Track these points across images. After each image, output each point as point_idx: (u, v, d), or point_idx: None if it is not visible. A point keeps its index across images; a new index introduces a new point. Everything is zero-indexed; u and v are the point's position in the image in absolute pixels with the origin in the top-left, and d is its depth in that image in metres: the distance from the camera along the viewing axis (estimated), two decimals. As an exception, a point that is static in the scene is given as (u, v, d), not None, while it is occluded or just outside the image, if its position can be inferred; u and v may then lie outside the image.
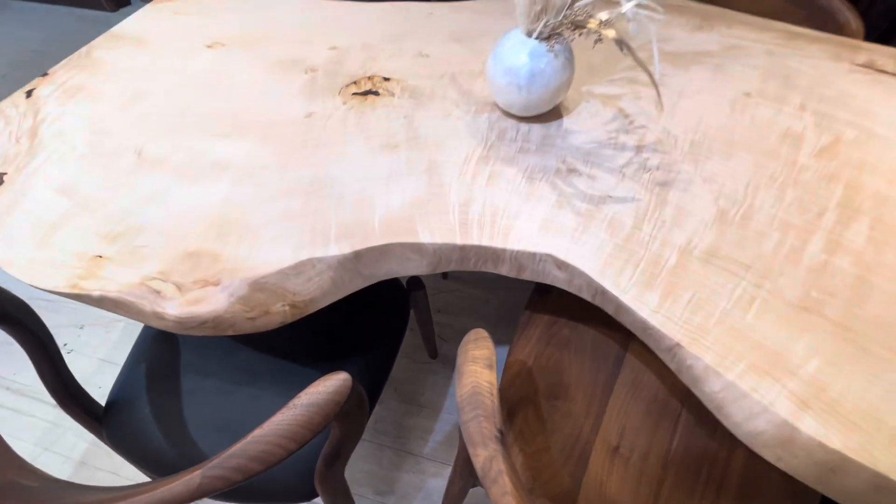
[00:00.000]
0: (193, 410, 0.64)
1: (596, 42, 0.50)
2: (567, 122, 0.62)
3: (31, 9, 2.30)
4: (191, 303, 0.46)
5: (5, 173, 0.58)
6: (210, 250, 0.49)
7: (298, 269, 0.48)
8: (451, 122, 0.63)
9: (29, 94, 0.69)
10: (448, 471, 0.97)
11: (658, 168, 0.56)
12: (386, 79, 0.70)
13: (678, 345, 0.42)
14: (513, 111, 0.61)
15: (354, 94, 0.67)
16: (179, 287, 0.46)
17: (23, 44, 2.10)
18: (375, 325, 0.72)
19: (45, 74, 0.72)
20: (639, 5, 0.47)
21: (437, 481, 0.95)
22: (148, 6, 0.85)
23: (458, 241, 0.49)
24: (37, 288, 0.47)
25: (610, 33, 0.48)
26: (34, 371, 0.58)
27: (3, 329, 0.52)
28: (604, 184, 0.55)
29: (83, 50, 0.76)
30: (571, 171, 0.56)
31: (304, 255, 0.48)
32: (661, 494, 0.59)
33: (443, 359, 1.12)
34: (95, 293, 0.46)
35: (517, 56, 0.55)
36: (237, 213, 0.53)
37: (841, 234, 0.49)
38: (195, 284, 0.47)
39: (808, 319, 0.43)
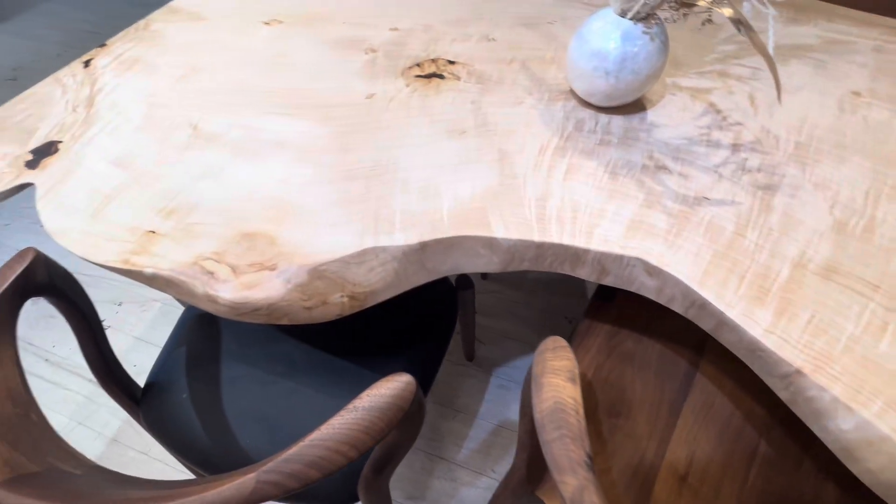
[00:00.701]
0: (232, 399, 0.61)
1: (704, 23, 0.44)
2: (651, 114, 0.57)
3: (84, -9, 2.36)
4: (245, 287, 0.42)
5: (60, 141, 0.56)
6: (266, 232, 0.46)
7: (361, 257, 0.44)
8: (522, 109, 0.58)
9: (87, 63, 0.67)
10: (482, 480, 0.92)
11: (759, 170, 0.50)
12: (451, 62, 0.65)
13: (798, 372, 0.36)
14: (593, 100, 0.56)
15: (417, 76, 0.63)
16: (234, 269, 0.43)
17: (76, 24, 2.15)
18: (422, 322, 0.68)
19: (103, 45, 0.70)
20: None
21: (470, 491, 0.91)
22: (206, -18, 0.84)
23: (536, 237, 0.45)
24: (87, 261, 0.45)
25: (727, 12, 0.42)
26: (72, 344, 0.56)
27: (50, 300, 0.50)
28: (698, 184, 0.49)
29: (141, 23, 0.75)
30: (660, 167, 0.51)
31: (367, 243, 0.44)
32: (736, 532, 0.52)
33: (479, 362, 1.08)
34: (148, 270, 0.43)
35: (607, 38, 0.50)
36: (295, 194, 0.49)
37: None
38: (250, 267, 0.43)
39: (956, 353, 0.36)
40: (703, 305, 0.41)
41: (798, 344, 0.37)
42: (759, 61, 0.63)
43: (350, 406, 0.36)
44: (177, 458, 0.61)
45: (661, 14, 0.47)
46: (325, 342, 0.66)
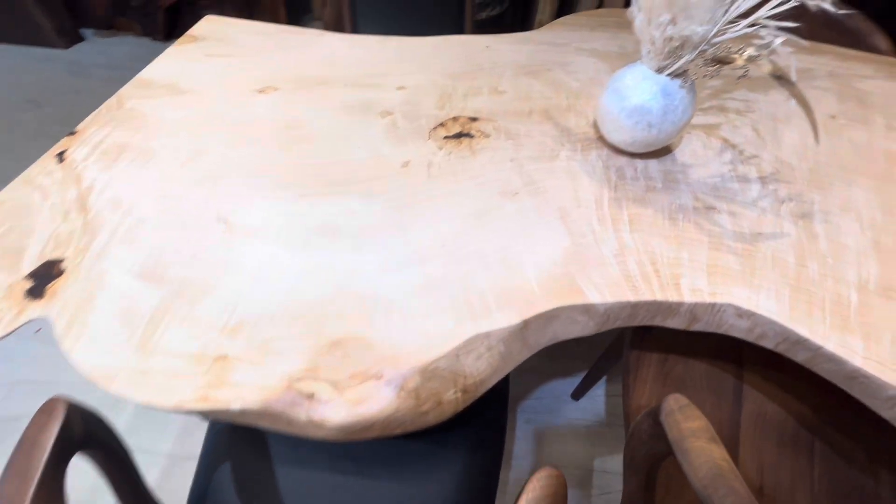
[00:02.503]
0: (297, 513, 0.55)
1: (740, 78, 0.48)
2: (679, 155, 0.60)
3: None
4: (354, 403, 0.38)
5: (61, 260, 0.47)
6: (356, 335, 0.42)
7: (469, 346, 0.42)
8: (562, 163, 0.59)
9: (61, 157, 0.58)
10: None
11: (791, 199, 0.55)
12: (473, 119, 0.65)
13: (905, 394, 0.39)
14: (631, 149, 0.58)
15: (446, 137, 0.62)
16: (335, 385, 0.39)
17: (8, 94, 1.82)
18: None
19: (73, 133, 0.61)
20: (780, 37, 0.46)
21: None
22: (172, 48, 0.76)
23: (631, 297, 0.45)
24: (156, 408, 0.38)
25: (765, 68, 0.46)
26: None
27: (86, 454, 0.42)
28: (747, 220, 0.53)
29: (112, 101, 0.66)
30: (709, 208, 0.54)
31: (468, 331, 0.42)
32: (819, 534, 0.56)
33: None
34: (235, 406, 0.38)
35: (647, 94, 0.52)
36: (370, 286, 0.46)
37: None
38: (353, 380, 0.39)
39: None
40: (799, 341, 0.44)
41: (893, 364, 0.41)
42: (746, 94, 0.70)
43: (515, 519, 0.34)
44: None
45: (697, 70, 0.51)
46: (384, 425, 0.61)
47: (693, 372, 0.68)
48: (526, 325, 0.44)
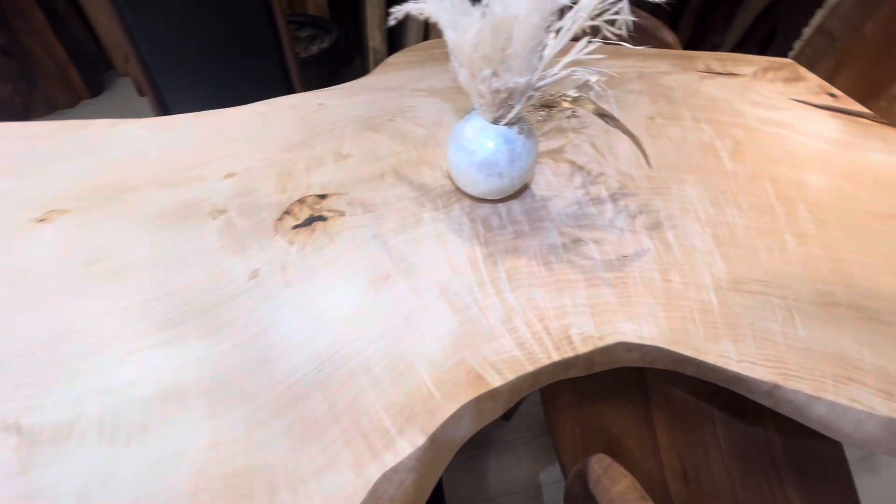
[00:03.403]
0: None
1: (569, 117, 0.49)
2: (536, 190, 0.61)
3: None
4: None
5: None
6: (236, 534, 0.34)
7: (377, 494, 0.36)
8: (427, 227, 0.55)
9: None
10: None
11: (640, 212, 0.58)
12: (321, 196, 0.59)
13: (777, 386, 0.43)
14: (489, 197, 0.57)
15: (295, 227, 0.55)
16: None
17: None
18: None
19: None
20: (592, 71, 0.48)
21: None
22: None
23: (530, 367, 0.43)
24: None
25: (589, 108, 0.47)
26: None
27: None
28: (610, 244, 0.54)
29: None
30: (576, 241, 0.55)
31: (373, 474, 0.36)
32: (738, 494, 0.61)
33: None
34: None
35: (490, 147, 0.51)
36: (244, 457, 0.37)
37: (797, 225, 0.57)
38: None
39: (834, 313, 0.48)
40: (682, 361, 0.46)
41: (759, 360, 0.44)
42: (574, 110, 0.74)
43: None
44: None
45: (530, 116, 0.51)
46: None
47: (600, 379, 0.71)
48: (433, 439, 0.39)
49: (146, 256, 0.51)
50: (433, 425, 0.39)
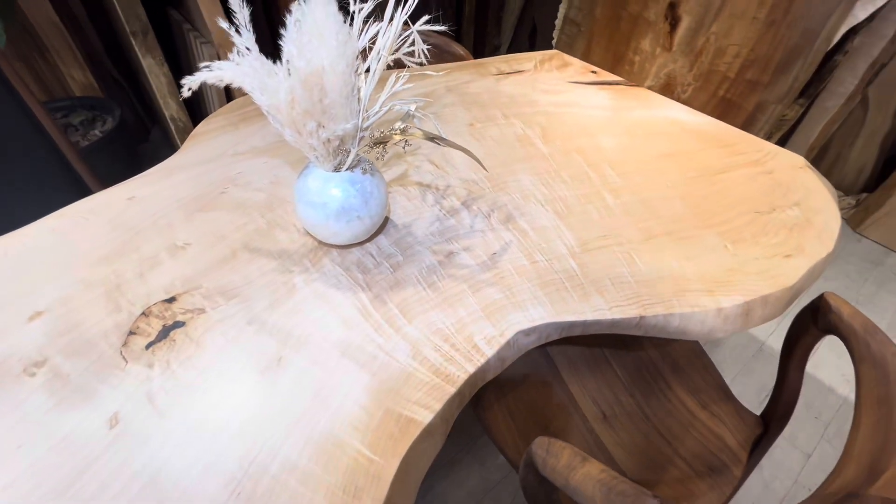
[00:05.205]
0: None
1: (405, 147, 0.52)
2: (397, 219, 0.62)
3: None
4: None
5: None
6: None
7: None
8: (303, 292, 0.53)
9: None
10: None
11: (492, 210, 0.64)
12: (170, 301, 0.51)
13: (642, 317, 0.52)
14: (357, 241, 0.56)
15: (150, 345, 0.47)
16: None
17: None
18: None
19: None
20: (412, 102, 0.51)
21: None
22: None
23: (451, 389, 0.44)
24: None
25: (418, 135, 0.50)
26: None
27: None
28: (479, 247, 0.59)
29: None
30: (448, 255, 0.58)
31: (339, 574, 0.33)
32: (646, 411, 0.72)
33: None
34: None
35: (339, 194, 0.51)
36: None
37: (609, 183, 0.69)
38: None
39: (656, 243, 0.60)
40: (569, 326, 0.52)
41: (623, 301, 0.53)
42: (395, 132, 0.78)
43: None
44: None
45: (368, 154, 0.52)
46: None
47: (519, 360, 0.76)
48: (389, 501, 0.38)
49: (-58, 462, 0.38)
50: (383, 490, 0.38)
